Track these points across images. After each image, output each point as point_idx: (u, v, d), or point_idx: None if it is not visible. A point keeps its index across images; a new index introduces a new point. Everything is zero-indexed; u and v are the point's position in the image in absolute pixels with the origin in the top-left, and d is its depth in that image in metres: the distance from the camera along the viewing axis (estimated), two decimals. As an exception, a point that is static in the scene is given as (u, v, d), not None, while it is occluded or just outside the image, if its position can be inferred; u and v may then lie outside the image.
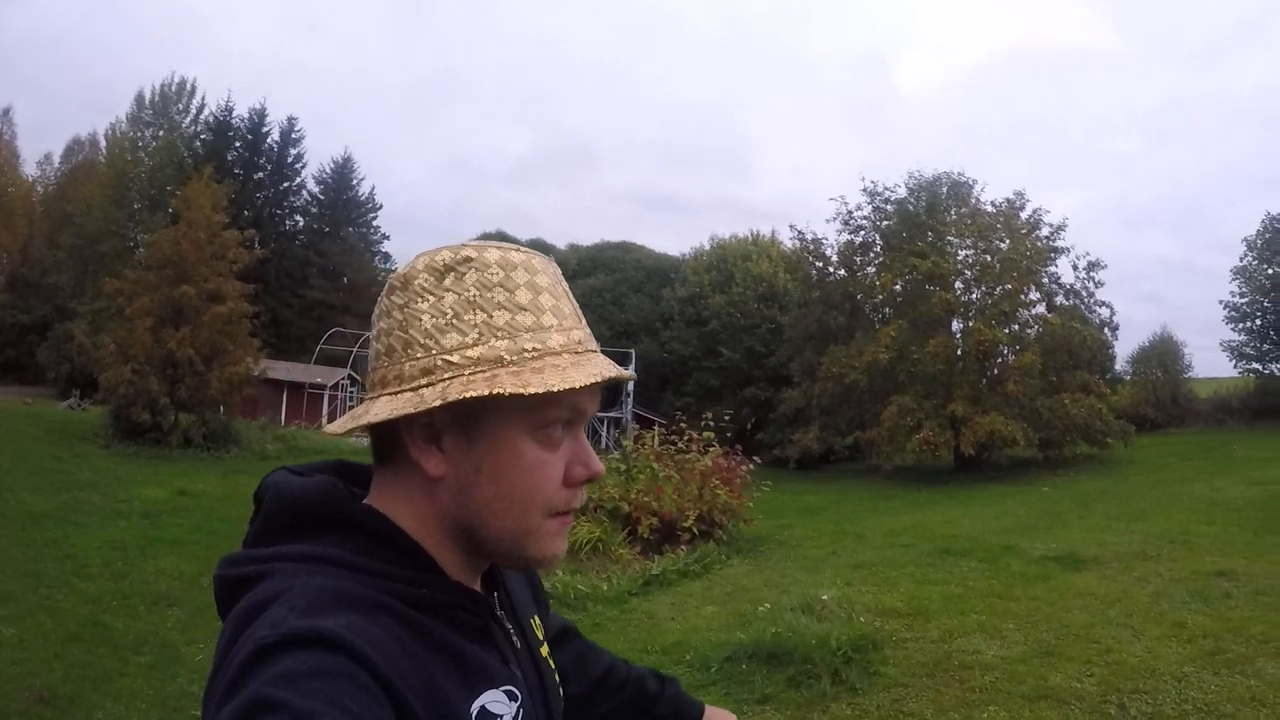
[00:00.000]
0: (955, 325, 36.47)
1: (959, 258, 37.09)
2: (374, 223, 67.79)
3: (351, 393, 47.66)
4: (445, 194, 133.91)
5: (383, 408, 1.19)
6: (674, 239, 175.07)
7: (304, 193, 65.39)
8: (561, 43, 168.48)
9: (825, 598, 9.70)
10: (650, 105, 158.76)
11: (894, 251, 37.41)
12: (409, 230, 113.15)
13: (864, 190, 39.10)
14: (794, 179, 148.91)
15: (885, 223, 38.84)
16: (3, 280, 58.41)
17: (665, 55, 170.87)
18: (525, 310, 1.23)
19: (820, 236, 40.85)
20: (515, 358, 1.20)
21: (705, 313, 45.90)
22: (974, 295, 36.94)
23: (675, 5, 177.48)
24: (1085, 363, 35.57)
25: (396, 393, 1.20)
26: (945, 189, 39.02)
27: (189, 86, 65.16)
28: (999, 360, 35.31)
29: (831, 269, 40.28)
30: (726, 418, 20.52)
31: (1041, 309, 37.02)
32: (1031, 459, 34.26)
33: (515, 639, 1.40)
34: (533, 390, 1.15)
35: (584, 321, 1.32)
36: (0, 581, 11.11)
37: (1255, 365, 42.56)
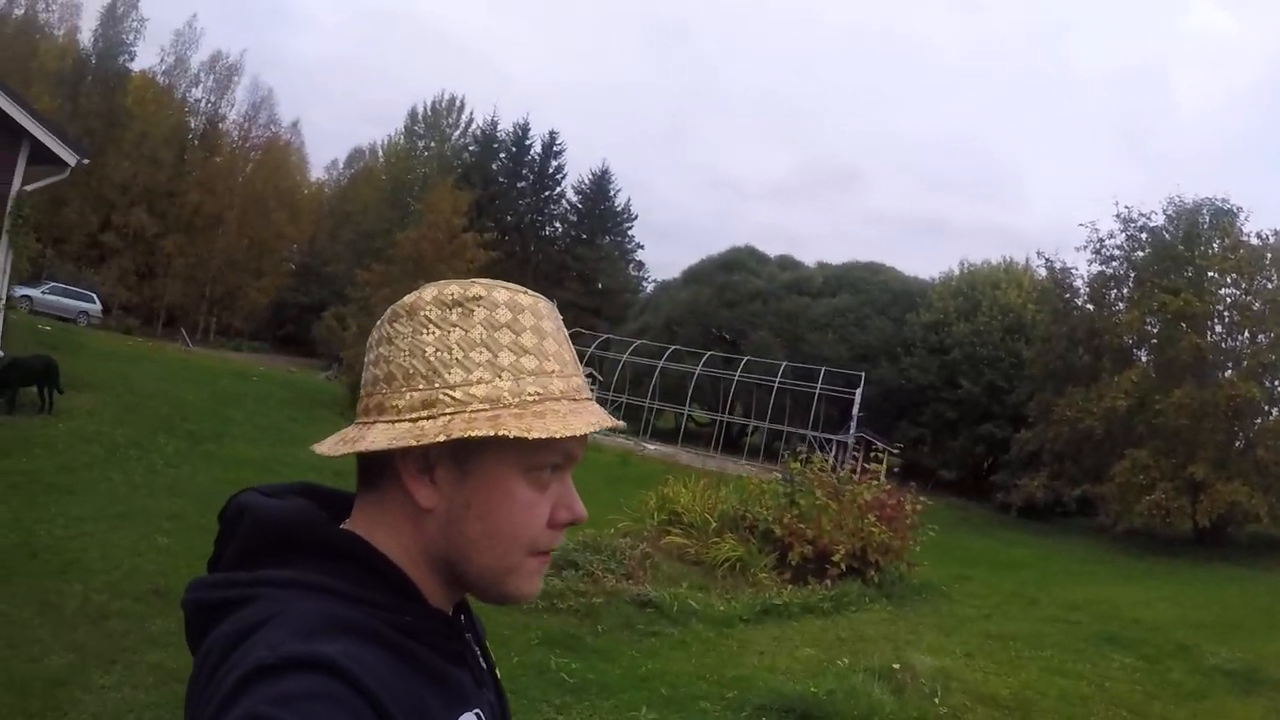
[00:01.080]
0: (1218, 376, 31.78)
1: (1221, 296, 32.81)
2: (629, 232, 70.29)
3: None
4: (707, 209, 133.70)
5: (380, 435, 1.19)
6: (929, 263, 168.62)
7: (564, 202, 68.93)
8: (818, 64, 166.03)
9: (910, 666, 9.27)
10: (908, 128, 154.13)
11: (1144, 286, 33.51)
12: (672, 242, 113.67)
13: (1117, 217, 35.27)
14: (1062, 206, 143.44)
15: (1138, 253, 34.93)
16: (292, 267, 67.90)
17: (923, 77, 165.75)
18: (529, 353, 1.24)
19: (1070, 266, 37.28)
20: (517, 400, 1.21)
21: (948, 341, 43.06)
22: (1235, 342, 32.79)
23: (926, 30, 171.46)
24: None
25: (394, 421, 1.20)
26: (1206, 217, 34.35)
27: (458, 103, 72.69)
28: (1257, 421, 31.02)
29: (1079, 302, 36.67)
30: (897, 450, 18.31)
31: None
32: None
33: (482, 661, 1.41)
34: (536, 435, 1.16)
35: (581, 370, 1.33)
36: (180, 505, 12.37)
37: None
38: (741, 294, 49.65)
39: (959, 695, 9.03)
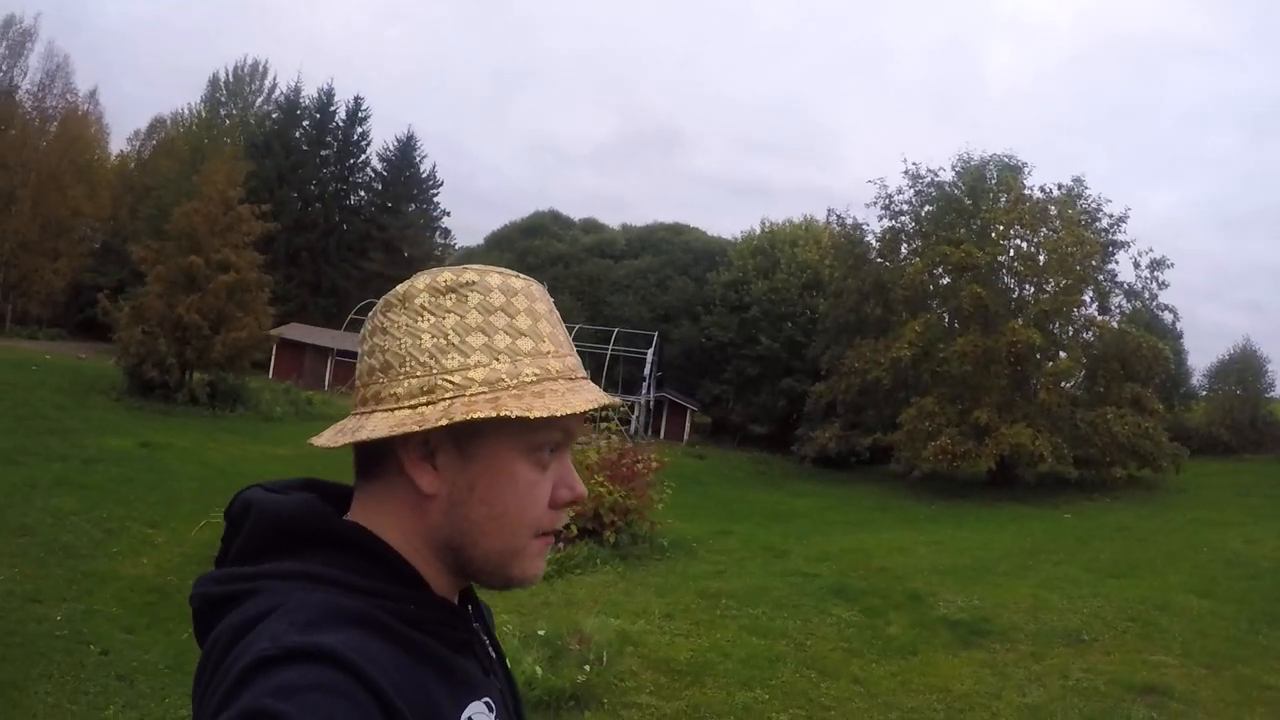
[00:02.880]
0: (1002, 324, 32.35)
1: (1006, 248, 33.61)
2: (435, 198, 67.30)
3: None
4: (530, 175, 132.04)
5: (380, 423, 1.20)
6: (741, 223, 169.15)
7: (368, 170, 66.12)
8: (641, 27, 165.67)
9: (580, 631, 9.08)
10: (731, 93, 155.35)
11: (929, 239, 34.29)
12: (497, 209, 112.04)
13: (906, 173, 35.78)
14: (880, 169, 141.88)
15: (927, 208, 35.59)
16: (96, 247, 63.22)
17: (744, 42, 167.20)
18: (525, 335, 1.25)
19: (862, 222, 37.82)
20: (515, 381, 1.22)
21: (747, 298, 43.34)
22: (1025, 291, 33.72)
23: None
24: (1139, 374, 31.97)
25: (393, 409, 1.21)
26: (994, 173, 35.44)
27: (262, 68, 68.83)
28: (1040, 366, 31.98)
29: (870, 257, 37.15)
30: (696, 408, 17.95)
31: (1094, 310, 33.95)
32: (1071, 478, 31.12)
33: (490, 650, 1.41)
34: (537, 414, 1.18)
35: (574, 350, 1.34)
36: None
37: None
38: (543, 258, 49.40)
39: (632, 660, 8.98)
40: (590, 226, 52.51)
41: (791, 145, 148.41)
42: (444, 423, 1.15)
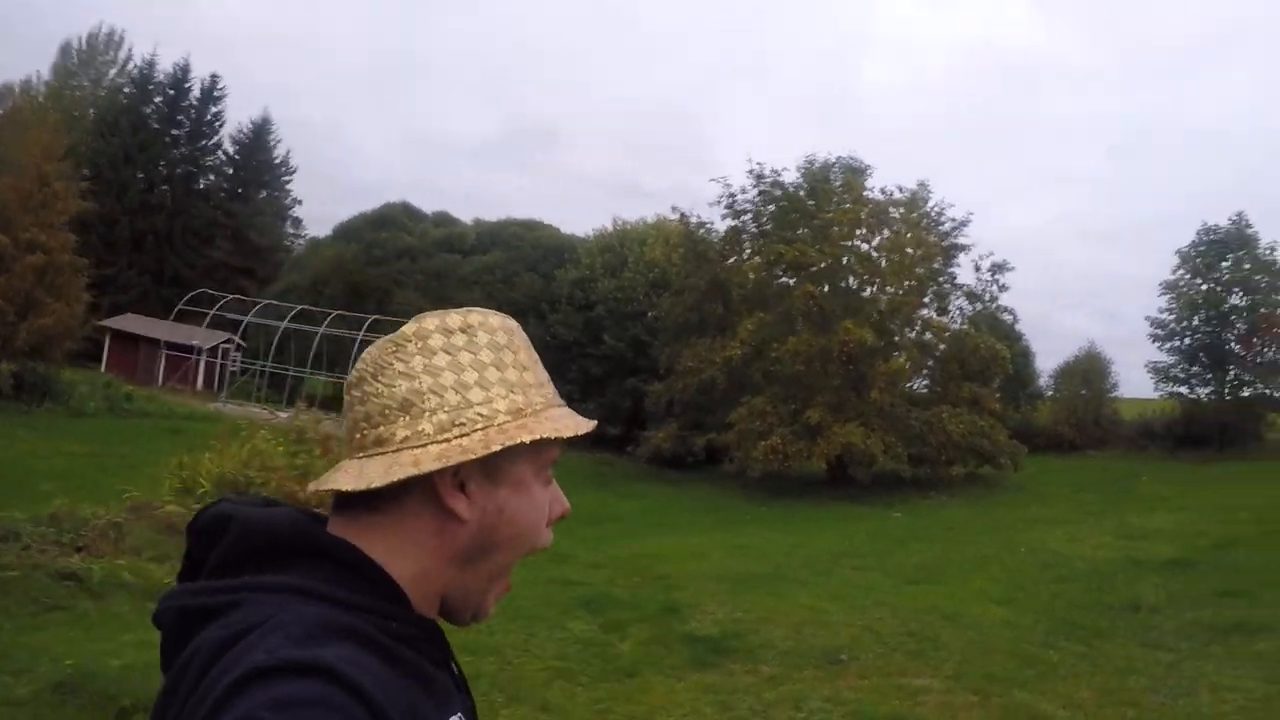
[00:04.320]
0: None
1: (846, 249, 33.11)
2: (288, 186, 64.17)
3: (236, 358, 45.92)
4: (405, 167, 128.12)
5: (427, 457, 1.22)
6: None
7: (220, 153, 62.24)
8: (521, 22, 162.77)
9: None
10: (614, 93, 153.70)
11: (768, 239, 33.89)
12: (370, 200, 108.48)
13: (750, 173, 35.14)
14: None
15: (770, 207, 35.04)
16: None
17: (627, 43, 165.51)
18: (527, 369, 1.33)
19: (706, 221, 36.97)
20: (531, 410, 1.29)
21: (593, 297, 42.41)
22: (868, 292, 33.66)
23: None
24: (977, 374, 32.19)
25: (425, 445, 1.24)
26: (838, 175, 35.13)
27: (117, 37, 63.54)
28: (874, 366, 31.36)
29: (711, 256, 36.31)
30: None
31: (933, 312, 34.05)
32: (906, 476, 31.34)
33: (456, 666, 1.41)
34: (568, 434, 1.29)
35: None
36: None
37: (1180, 389, 39.14)
38: (390, 251, 47.56)
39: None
40: (441, 220, 50.72)
41: (671, 147, 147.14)
42: (495, 449, 1.21)
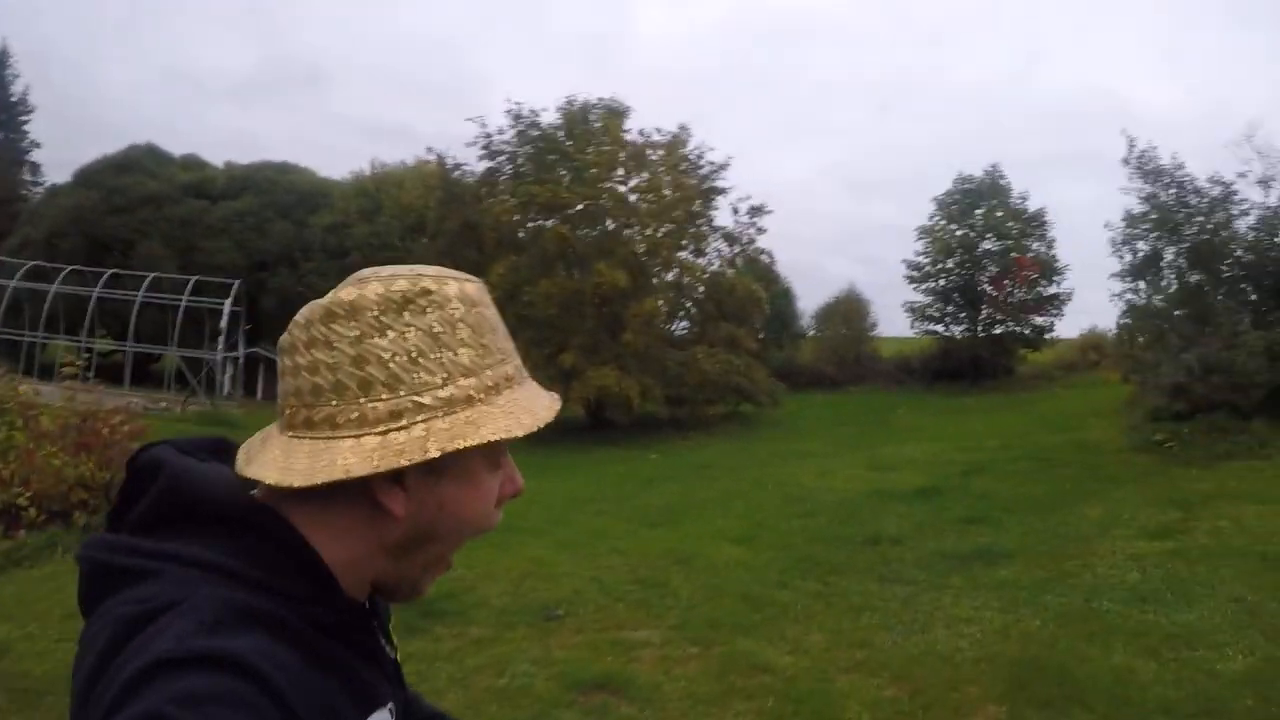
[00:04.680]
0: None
1: (606, 190, 32.32)
2: (25, 128, 59.14)
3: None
4: (163, 105, 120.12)
5: (354, 457, 1.14)
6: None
7: None
8: None
9: None
10: (383, 31, 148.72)
11: (521, 180, 32.74)
12: (108, 141, 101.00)
13: (508, 113, 33.81)
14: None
15: (527, 149, 33.78)
16: None
17: None
18: (485, 346, 1.24)
19: (462, 162, 35.34)
20: (482, 395, 1.21)
21: (348, 243, 40.59)
22: (627, 234, 32.69)
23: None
24: (735, 315, 32.17)
25: (359, 435, 1.16)
26: (598, 116, 33.94)
27: None
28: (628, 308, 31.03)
29: (466, 198, 34.87)
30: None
31: (690, 254, 33.61)
32: (664, 418, 30.64)
33: (390, 652, 1.37)
34: (518, 433, 1.20)
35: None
36: None
37: (936, 327, 39.99)
38: (133, 198, 43.45)
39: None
40: (190, 164, 47.00)
41: (442, 89, 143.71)
42: (435, 454, 1.13)
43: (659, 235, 31.84)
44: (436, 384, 1.17)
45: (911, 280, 39.83)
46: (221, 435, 1.35)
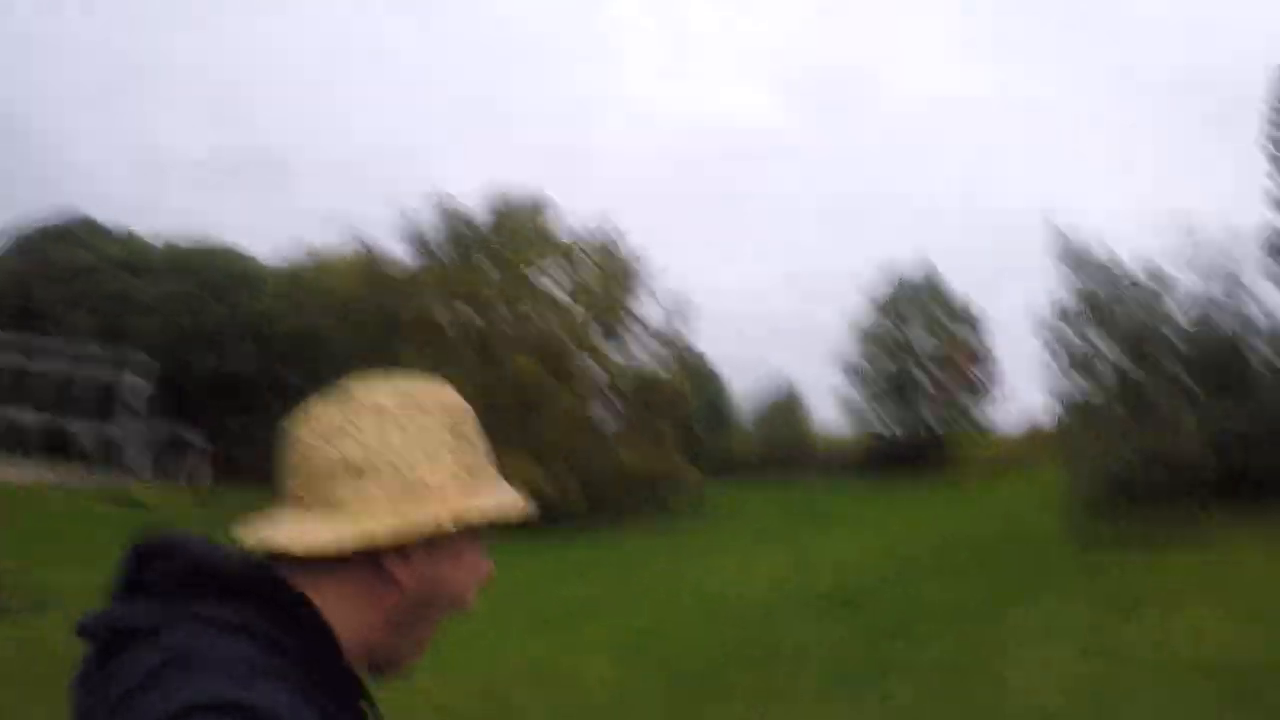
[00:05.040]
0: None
1: (532, 285, 31.80)
2: None
3: None
4: (115, 180, 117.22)
5: (378, 527, 1.21)
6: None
7: None
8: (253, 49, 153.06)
9: None
10: (348, 127, 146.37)
11: (442, 269, 31.92)
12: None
13: (436, 204, 32.65)
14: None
15: (451, 240, 32.79)
16: None
17: (367, 76, 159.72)
18: (476, 446, 1.36)
19: (391, 252, 34.24)
20: (478, 485, 1.31)
21: (279, 328, 38.86)
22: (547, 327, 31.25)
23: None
24: (661, 410, 31.24)
25: (373, 514, 1.23)
26: (528, 210, 32.79)
27: None
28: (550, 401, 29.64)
29: (394, 287, 33.57)
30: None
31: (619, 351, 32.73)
32: (583, 512, 28.38)
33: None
34: (513, 514, 1.32)
35: None
36: None
37: (873, 425, 39.03)
38: (66, 270, 40.83)
39: None
40: (127, 238, 44.37)
41: (403, 190, 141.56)
42: (449, 529, 1.23)
43: (579, 330, 30.81)
44: (444, 473, 1.25)
45: (848, 378, 38.99)
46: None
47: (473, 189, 34.30)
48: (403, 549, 1.23)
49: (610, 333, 31.66)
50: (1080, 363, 21.29)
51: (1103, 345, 21.00)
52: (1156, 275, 20.56)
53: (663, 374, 31.66)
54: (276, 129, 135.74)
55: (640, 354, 32.66)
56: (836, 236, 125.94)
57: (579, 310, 30.79)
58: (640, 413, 30.95)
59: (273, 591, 1.17)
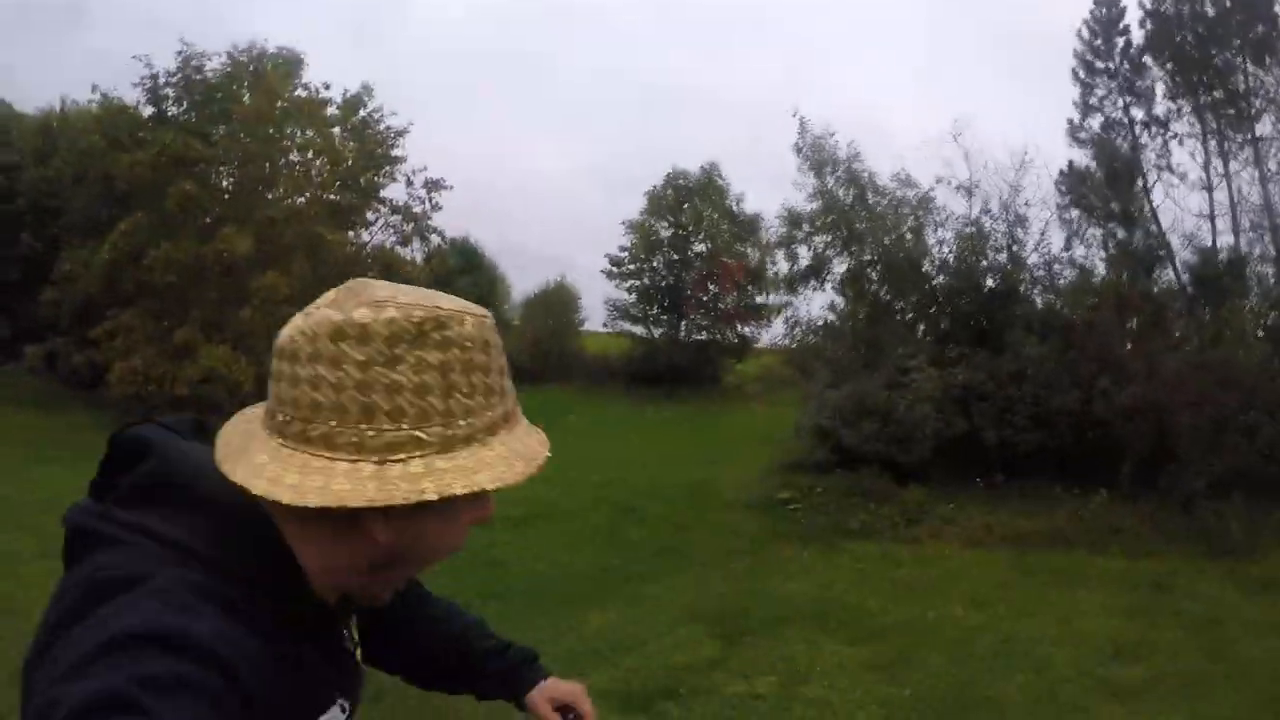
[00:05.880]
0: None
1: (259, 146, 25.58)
2: None
3: None
4: None
5: (349, 484, 1.06)
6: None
7: None
8: None
9: None
10: None
11: (167, 127, 25.55)
12: None
13: (178, 54, 26.62)
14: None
15: (197, 96, 26.69)
16: None
17: None
18: (488, 386, 1.15)
19: (131, 104, 27.57)
20: (480, 436, 1.13)
21: (18, 187, 31.95)
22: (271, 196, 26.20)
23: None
24: None
25: (354, 461, 1.08)
26: (278, 68, 26.89)
27: None
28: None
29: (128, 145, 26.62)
30: None
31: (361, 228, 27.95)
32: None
33: (350, 646, 1.32)
34: (511, 481, 1.12)
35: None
36: None
37: (635, 328, 34.41)
38: None
39: None
40: None
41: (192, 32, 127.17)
42: (430, 498, 1.05)
43: (298, 203, 25.62)
44: (437, 421, 1.08)
45: (610, 276, 34.39)
46: (199, 418, 1.25)
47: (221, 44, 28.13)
48: (385, 509, 1.06)
49: (350, 209, 26.98)
50: (808, 278, 16.84)
51: (838, 264, 16.68)
52: (906, 183, 16.35)
53: (403, 257, 27.23)
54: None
55: (382, 235, 28.25)
56: (655, 126, 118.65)
57: (297, 182, 25.94)
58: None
59: (242, 518, 1.08)
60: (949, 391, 13.72)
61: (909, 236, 15.78)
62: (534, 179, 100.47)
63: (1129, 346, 14.03)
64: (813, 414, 14.27)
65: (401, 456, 1.06)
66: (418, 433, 1.07)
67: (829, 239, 16.40)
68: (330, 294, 1.14)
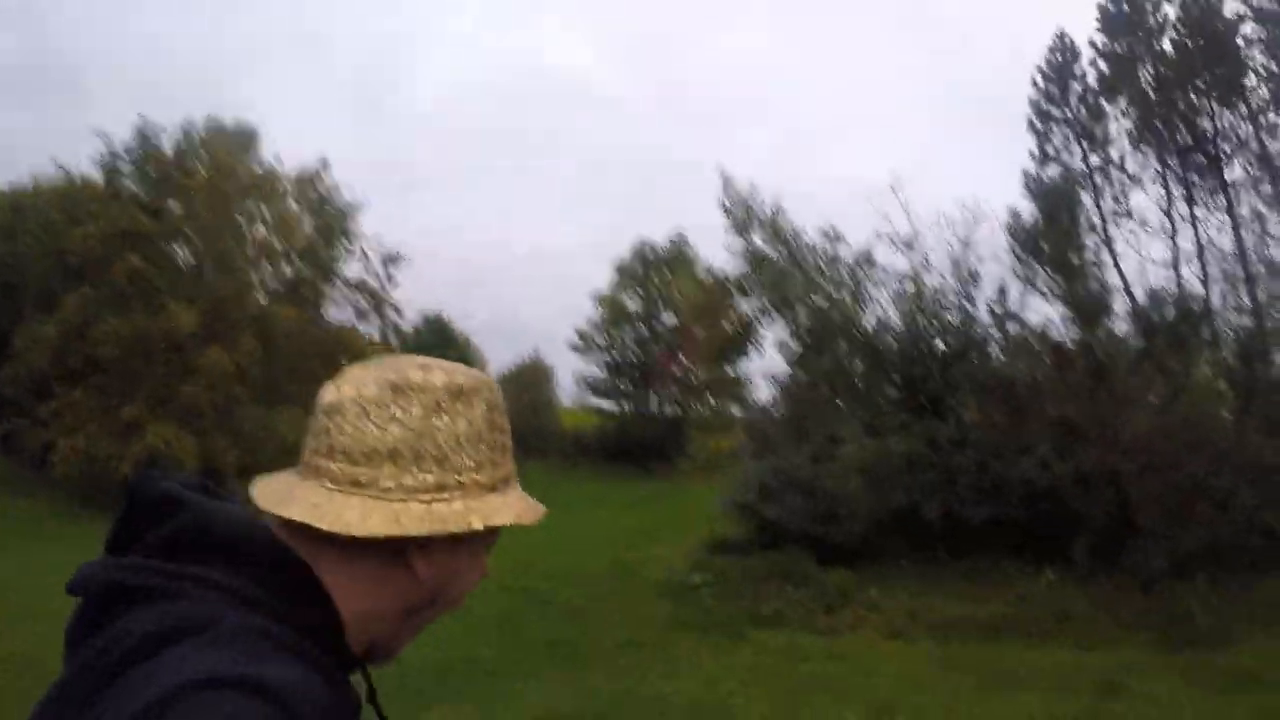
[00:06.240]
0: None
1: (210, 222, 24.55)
2: None
3: None
4: None
5: (407, 519, 1.08)
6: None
7: None
8: None
9: None
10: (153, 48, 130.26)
11: (114, 202, 24.70)
12: None
13: (135, 128, 25.62)
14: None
15: (149, 171, 25.57)
16: None
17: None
18: (504, 445, 1.19)
19: (93, 180, 26.63)
20: (500, 486, 1.17)
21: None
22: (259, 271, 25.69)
23: None
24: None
25: (406, 501, 1.09)
26: (235, 143, 26.06)
27: None
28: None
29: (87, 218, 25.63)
30: None
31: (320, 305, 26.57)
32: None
33: (377, 708, 1.30)
34: (530, 519, 1.17)
35: None
36: None
37: (604, 403, 33.11)
38: None
39: None
40: None
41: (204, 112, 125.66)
42: (476, 527, 1.09)
43: (250, 279, 24.75)
44: (472, 468, 1.12)
45: (576, 350, 33.18)
46: (204, 479, 1.16)
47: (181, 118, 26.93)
48: (427, 542, 1.09)
49: (304, 284, 25.80)
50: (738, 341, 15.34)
51: (771, 330, 15.21)
52: (863, 256, 14.95)
53: (360, 333, 26.04)
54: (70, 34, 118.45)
55: (338, 312, 27.00)
56: (651, 200, 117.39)
57: (271, 256, 25.14)
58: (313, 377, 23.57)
59: (281, 562, 1.05)
60: (884, 462, 12.20)
61: (844, 297, 14.34)
62: (537, 252, 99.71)
63: (1074, 408, 12.47)
64: (738, 489, 12.80)
65: (445, 496, 1.08)
66: (459, 476, 1.09)
67: (760, 304, 15.00)
68: (358, 367, 1.14)
